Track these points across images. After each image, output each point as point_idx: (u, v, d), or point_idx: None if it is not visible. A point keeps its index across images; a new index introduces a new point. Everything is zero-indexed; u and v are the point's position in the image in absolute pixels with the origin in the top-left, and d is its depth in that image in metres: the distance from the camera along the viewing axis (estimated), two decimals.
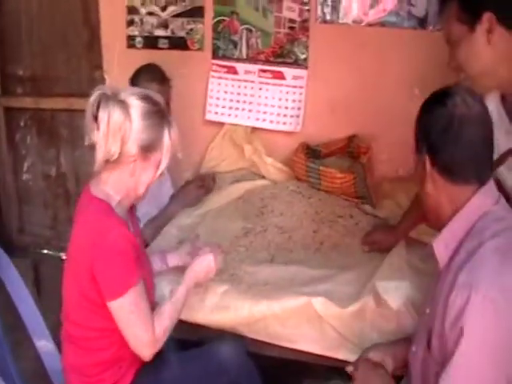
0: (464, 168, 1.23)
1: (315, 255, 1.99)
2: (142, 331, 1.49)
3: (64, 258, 3.24)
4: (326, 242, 2.05)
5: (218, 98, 2.75)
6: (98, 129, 1.43)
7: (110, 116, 1.42)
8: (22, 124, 3.49)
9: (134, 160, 1.48)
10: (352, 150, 2.51)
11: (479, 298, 1.08)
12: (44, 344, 1.86)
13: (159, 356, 1.61)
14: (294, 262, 1.92)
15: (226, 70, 2.74)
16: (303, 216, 2.18)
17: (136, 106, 1.46)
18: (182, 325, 1.68)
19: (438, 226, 1.29)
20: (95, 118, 1.43)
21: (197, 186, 2.37)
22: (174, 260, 1.81)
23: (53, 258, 3.43)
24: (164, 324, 1.53)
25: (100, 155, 1.45)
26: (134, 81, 2.24)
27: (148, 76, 2.24)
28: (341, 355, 1.65)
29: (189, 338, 1.76)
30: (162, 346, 1.54)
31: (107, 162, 1.47)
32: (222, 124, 2.77)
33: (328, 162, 2.44)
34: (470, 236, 1.21)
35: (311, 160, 2.39)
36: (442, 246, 1.26)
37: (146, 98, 1.49)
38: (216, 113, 2.76)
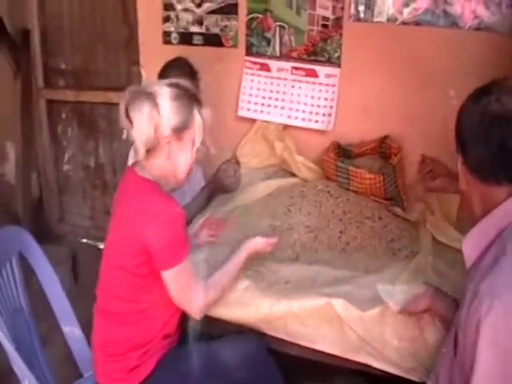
0: (494, 169, 1.18)
1: (340, 256, 1.95)
2: (195, 294, 1.59)
3: (101, 247, 3.34)
4: (352, 243, 2.01)
5: (250, 95, 2.73)
6: (132, 125, 1.51)
7: (140, 111, 1.49)
8: (63, 116, 3.57)
9: (167, 142, 1.54)
10: (384, 151, 2.45)
11: (501, 307, 1.03)
12: (70, 330, 1.90)
13: (181, 347, 1.68)
14: (318, 262, 1.89)
15: (259, 66, 2.71)
16: (330, 216, 2.13)
17: (165, 92, 1.53)
18: (202, 318, 1.68)
19: (472, 224, 1.25)
20: (128, 116, 1.52)
21: (224, 172, 2.32)
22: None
23: (90, 247, 3.50)
24: (215, 288, 1.64)
25: (140, 146, 1.52)
26: (163, 76, 2.23)
27: (177, 71, 2.22)
28: (361, 358, 1.62)
29: (209, 332, 1.75)
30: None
31: (148, 150, 1.54)
32: (254, 120, 2.74)
33: (359, 162, 2.39)
34: (499, 239, 1.16)
35: (341, 159, 2.34)
36: (470, 244, 1.23)
37: (173, 85, 1.57)
38: (248, 109, 2.74)
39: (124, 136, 3.38)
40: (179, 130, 1.55)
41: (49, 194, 3.68)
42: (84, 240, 3.58)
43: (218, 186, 2.31)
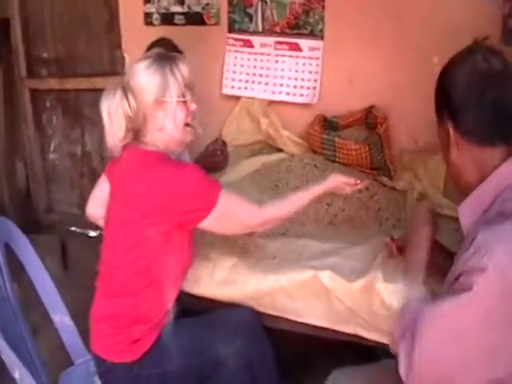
0: (489, 130, 1.14)
1: (328, 228, 1.94)
2: (249, 216, 1.57)
3: (91, 234, 3.32)
4: (340, 216, 2.00)
5: (234, 72, 2.71)
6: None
7: (108, 106, 1.50)
8: (47, 105, 3.52)
9: (152, 114, 1.52)
10: (370, 121, 2.42)
11: (492, 266, 0.99)
12: (60, 319, 1.86)
13: (177, 322, 1.64)
14: (306, 236, 1.87)
15: (241, 43, 2.68)
16: None
17: (138, 66, 1.53)
18: (190, 298, 1.68)
19: (465, 193, 1.21)
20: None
21: (212, 152, 2.32)
22: None
23: (79, 235, 3.47)
24: (278, 206, 1.61)
25: (115, 137, 1.52)
26: None
27: None
28: (350, 329, 1.59)
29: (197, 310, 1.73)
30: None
31: (139, 131, 1.54)
32: (238, 98, 2.72)
33: (344, 133, 2.38)
34: (496, 204, 1.12)
35: (326, 132, 2.32)
36: (467, 211, 1.19)
37: (144, 57, 1.56)
38: (232, 87, 2.72)
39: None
40: (160, 96, 1.52)
41: (36, 183, 3.65)
42: (73, 228, 3.53)
43: (205, 166, 2.27)
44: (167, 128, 1.55)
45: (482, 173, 1.16)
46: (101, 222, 1.76)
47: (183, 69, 1.56)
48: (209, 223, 1.52)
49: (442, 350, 1.03)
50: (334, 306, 1.58)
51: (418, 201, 1.66)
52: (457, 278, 1.06)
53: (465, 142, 1.17)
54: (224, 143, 2.38)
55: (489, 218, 1.10)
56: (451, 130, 1.18)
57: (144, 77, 1.52)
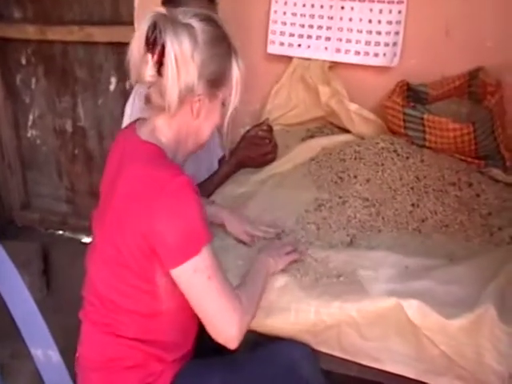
0: None
1: (413, 238, 1.92)
2: (227, 302, 1.51)
3: (84, 240, 3.35)
4: (430, 221, 1.98)
5: (283, 23, 2.73)
6: (159, 62, 1.51)
7: (180, 42, 1.49)
8: (23, 61, 3.54)
9: (199, 100, 1.59)
10: (474, 90, 2.40)
11: None
12: (43, 353, 1.88)
13: (197, 363, 1.72)
14: (382, 247, 1.86)
15: None
16: (398, 183, 2.10)
17: (200, 30, 1.55)
18: None
19: None
20: (152, 47, 1.51)
21: (255, 141, 2.37)
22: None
23: (68, 241, 3.53)
24: (249, 295, 1.59)
25: (174, 96, 1.53)
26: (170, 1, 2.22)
27: None
28: (445, 382, 1.56)
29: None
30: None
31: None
32: (289, 59, 2.74)
33: (437, 107, 2.36)
34: None
35: (412, 105, 2.30)
36: None
37: (209, 20, 1.58)
38: (282, 43, 2.74)
39: (112, 87, 3.34)
40: (215, 86, 1.61)
41: (7, 170, 3.71)
42: (59, 232, 3.59)
43: (245, 159, 2.35)
44: (203, 123, 1.65)
45: None
46: None
47: (243, 67, 1.64)
48: (178, 279, 1.50)
49: None
50: (424, 350, 1.57)
51: None
52: None
53: None
54: (270, 128, 2.41)
55: None
56: None
57: (206, 49, 1.55)
